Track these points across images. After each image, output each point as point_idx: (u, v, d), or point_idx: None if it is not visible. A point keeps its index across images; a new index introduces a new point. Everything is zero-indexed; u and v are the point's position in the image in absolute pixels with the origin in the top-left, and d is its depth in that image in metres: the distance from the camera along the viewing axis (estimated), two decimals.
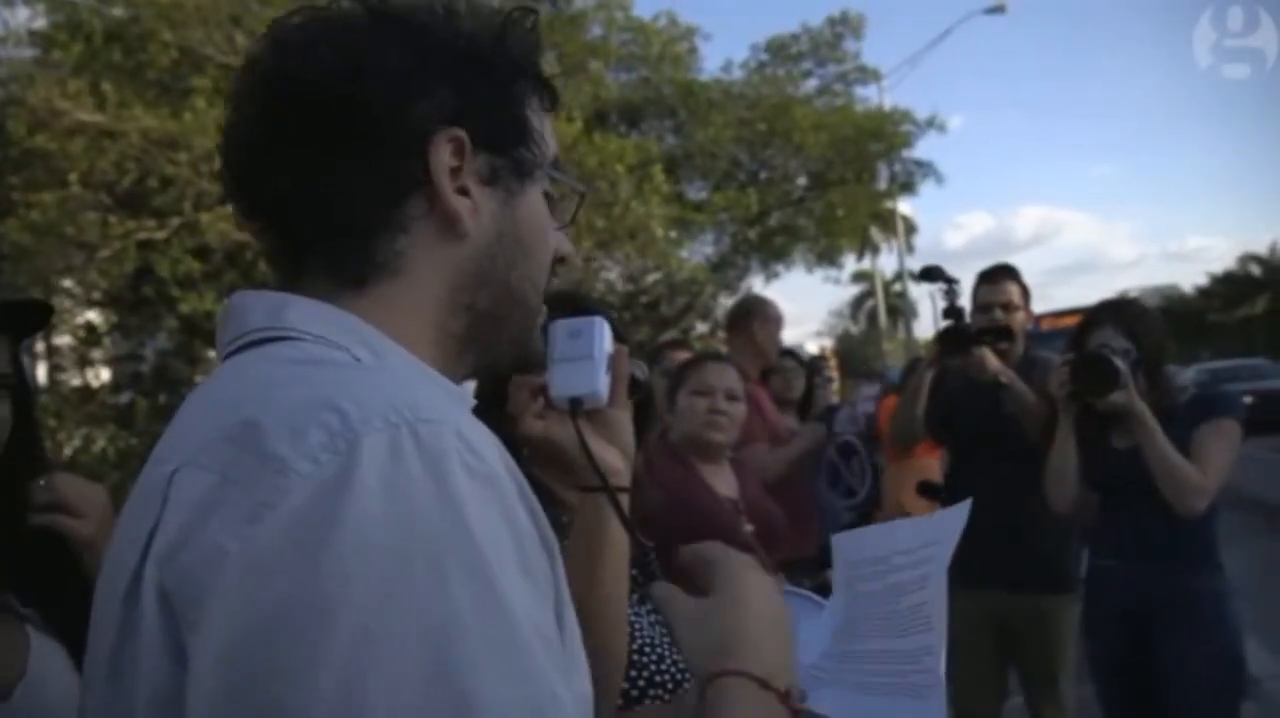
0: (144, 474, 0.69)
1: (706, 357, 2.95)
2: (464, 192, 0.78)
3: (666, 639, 1.38)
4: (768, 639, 0.80)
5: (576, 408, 1.07)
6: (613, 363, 1.10)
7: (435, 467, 0.58)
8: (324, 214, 0.76)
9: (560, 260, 0.90)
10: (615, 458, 1.09)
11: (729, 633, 0.79)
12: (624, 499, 1.08)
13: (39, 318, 1.31)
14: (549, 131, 0.87)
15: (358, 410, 0.59)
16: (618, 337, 1.34)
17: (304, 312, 0.74)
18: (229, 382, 0.72)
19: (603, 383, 1.08)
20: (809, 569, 3.38)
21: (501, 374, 1.05)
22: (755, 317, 4.14)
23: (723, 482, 2.71)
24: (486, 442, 0.64)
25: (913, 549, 1.01)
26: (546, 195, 0.86)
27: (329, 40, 0.77)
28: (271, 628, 0.54)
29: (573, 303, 1.25)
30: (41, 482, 1.27)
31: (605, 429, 1.10)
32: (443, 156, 0.77)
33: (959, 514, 1.02)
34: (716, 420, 2.68)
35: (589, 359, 1.07)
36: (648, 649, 1.35)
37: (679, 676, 1.35)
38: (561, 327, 1.09)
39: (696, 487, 2.62)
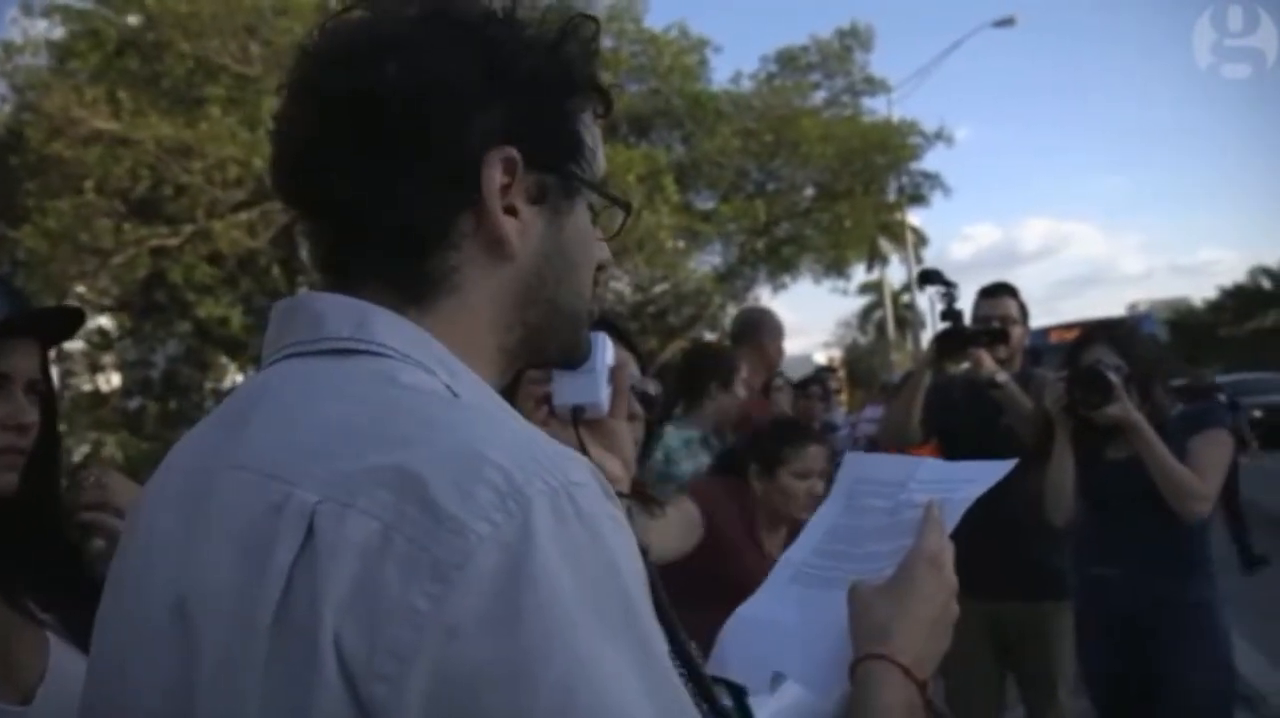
0: (237, 482, 0.68)
1: (808, 436, 2.91)
2: (512, 211, 0.77)
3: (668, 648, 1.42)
4: (921, 634, 0.90)
5: (578, 417, 1.13)
6: (614, 376, 1.15)
7: (593, 529, 0.63)
8: (377, 224, 0.76)
9: (600, 268, 0.91)
10: (615, 466, 1.15)
11: (888, 621, 0.90)
12: (622, 505, 1.13)
13: (70, 324, 1.33)
14: (598, 143, 0.86)
15: (518, 471, 0.62)
16: (631, 348, 1.38)
17: (388, 326, 0.74)
18: (339, 397, 0.70)
19: (604, 394, 1.14)
20: None
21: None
22: (764, 329, 4.19)
23: (776, 545, 2.77)
24: (605, 485, 0.68)
25: (934, 481, 1.04)
26: (589, 205, 0.86)
27: (390, 48, 0.75)
28: (478, 689, 0.57)
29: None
30: (92, 479, 1.31)
31: (605, 438, 1.15)
32: (494, 176, 0.75)
33: (998, 467, 1.03)
34: (812, 504, 2.78)
35: (591, 371, 1.12)
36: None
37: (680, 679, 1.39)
38: None
39: (749, 546, 2.67)
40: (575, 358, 0.92)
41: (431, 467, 0.62)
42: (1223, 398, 8.23)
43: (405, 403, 0.68)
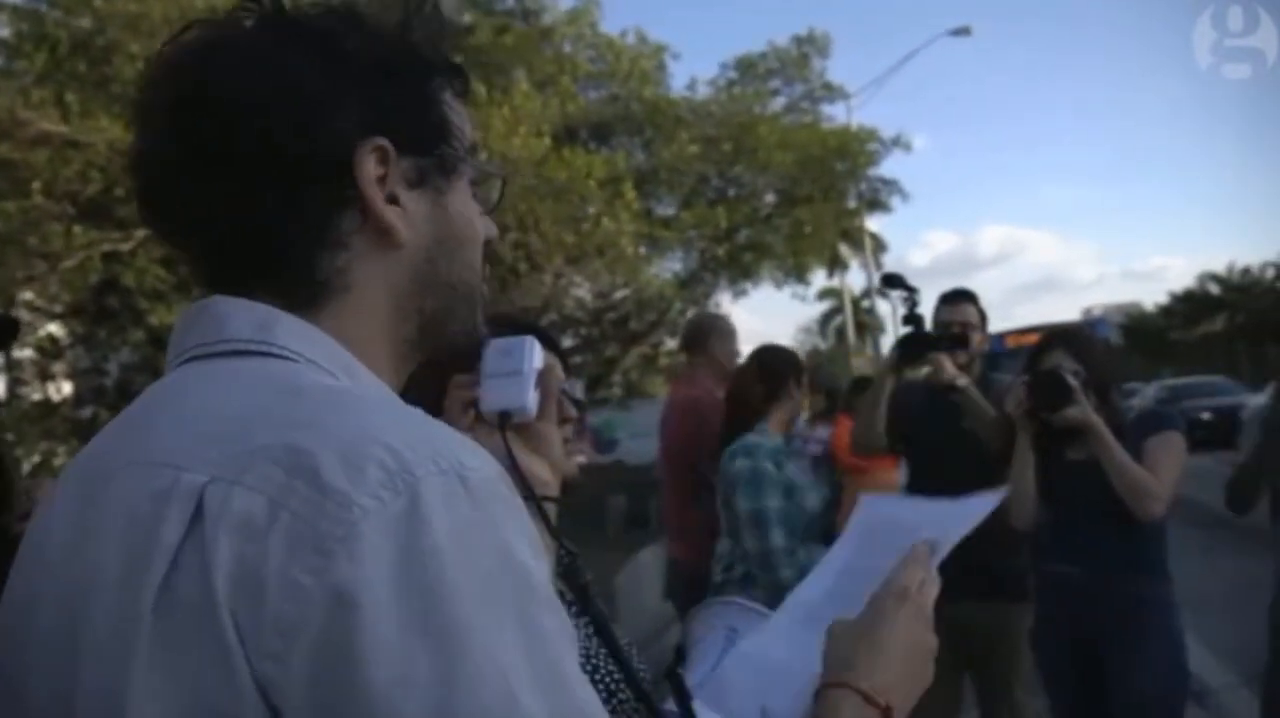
0: (125, 472, 0.68)
1: None
2: (393, 200, 0.78)
3: (603, 650, 1.41)
4: (886, 662, 0.92)
5: (505, 421, 1.11)
6: (542, 379, 1.14)
7: (486, 513, 0.63)
8: (257, 238, 0.76)
9: (488, 243, 0.91)
10: (543, 469, 1.14)
11: (851, 651, 0.93)
12: (551, 509, 1.13)
13: (5, 335, 1.31)
14: (465, 119, 0.86)
15: (409, 452, 0.62)
16: (557, 353, 1.37)
17: (291, 330, 0.75)
18: (238, 390, 0.70)
19: (531, 398, 1.13)
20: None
21: (442, 375, 1.11)
22: (713, 334, 4.22)
23: None
24: (504, 474, 0.68)
25: (939, 521, 1.09)
26: (471, 182, 0.87)
27: (236, 60, 0.75)
28: (360, 663, 0.57)
29: (509, 323, 1.28)
30: (24, 491, 1.28)
31: (533, 442, 1.14)
32: (368, 169, 0.76)
33: (986, 502, 1.09)
34: None
35: (518, 375, 1.12)
36: (580, 659, 1.38)
37: (613, 686, 1.38)
38: (494, 345, 1.14)
39: None
40: (476, 338, 0.92)
41: (322, 445, 0.62)
42: None
43: (303, 393, 0.68)
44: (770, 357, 3.64)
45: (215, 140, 0.74)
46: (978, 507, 1.08)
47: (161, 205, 0.79)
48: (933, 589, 0.99)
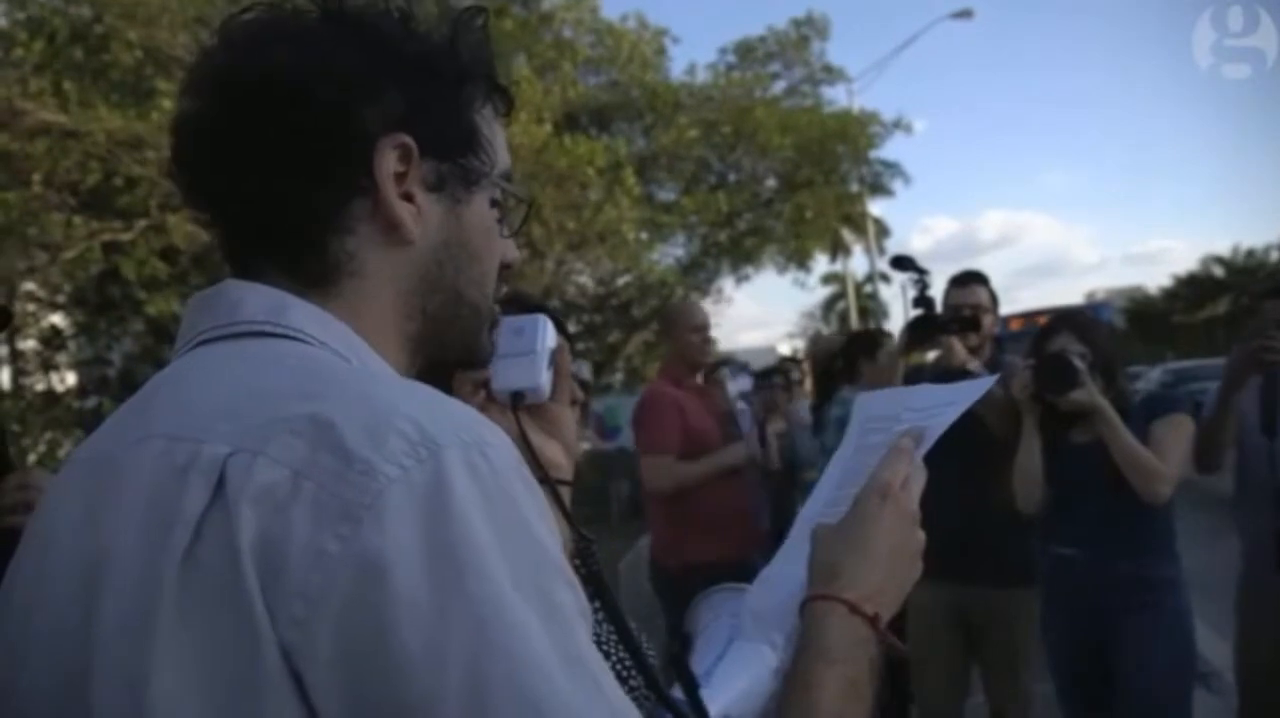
0: (140, 447, 0.68)
1: None
2: (409, 197, 0.79)
3: (614, 637, 1.40)
4: (872, 568, 0.89)
5: (518, 402, 1.09)
6: (555, 359, 1.12)
7: (506, 486, 0.64)
8: (272, 211, 0.77)
9: (506, 267, 0.92)
10: (557, 452, 1.12)
11: (835, 560, 0.90)
12: (565, 493, 1.10)
13: None
14: (500, 139, 0.88)
15: (431, 423, 0.63)
16: (565, 334, 1.35)
17: (305, 315, 0.76)
18: (253, 367, 0.71)
19: (544, 378, 1.10)
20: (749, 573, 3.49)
21: (447, 370, 1.08)
22: (671, 327, 4.20)
23: None
24: (520, 457, 0.68)
25: (925, 408, 1.04)
26: (494, 202, 0.87)
27: (280, 39, 0.77)
28: (387, 627, 0.57)
29: (520, 302, 1.26)
30: (15, 482, 1.26)
31: (547, 423, 1.12)
32: (387, 162, 0.77)
33: (979, 384, 1.05)
34: None
35: (531, 354, 1.09)
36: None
37: (624, 673, 1.36)
38: (506, 323, 1.10)
39: None
40: (477, 356, 0.93)
41: (344, 415, 0.62)
42: None
43: (320, 370, 0.69)
44: (851, 342, 4.57)
45: (249, 114, 0.76)
46: (967, 391, 1.04)
47: (196, 175, 0.80)
48: (919, 482, 0.95)
